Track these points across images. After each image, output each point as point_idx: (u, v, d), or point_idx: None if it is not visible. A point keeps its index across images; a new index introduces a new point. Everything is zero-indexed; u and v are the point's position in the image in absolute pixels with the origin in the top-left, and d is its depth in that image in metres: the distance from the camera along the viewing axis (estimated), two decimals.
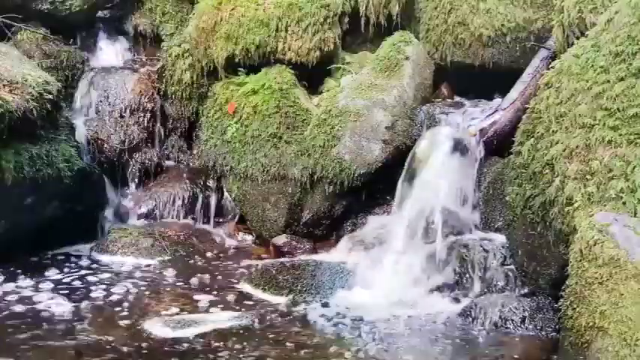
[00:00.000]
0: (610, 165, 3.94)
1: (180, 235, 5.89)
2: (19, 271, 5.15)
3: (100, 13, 7.00)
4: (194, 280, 5.20)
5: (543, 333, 4.25)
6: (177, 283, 5.16)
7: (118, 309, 4.64)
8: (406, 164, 5.40)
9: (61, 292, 4.88)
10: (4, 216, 5.11)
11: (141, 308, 4.66)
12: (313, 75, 6.15)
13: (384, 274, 5.10)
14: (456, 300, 4.78)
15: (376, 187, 5.57)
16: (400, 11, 6.26)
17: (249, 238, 6.17)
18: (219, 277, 5.31)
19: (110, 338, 4.21)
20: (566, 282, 3.75)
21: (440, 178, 5.27)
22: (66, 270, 5.28)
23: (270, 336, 4.26)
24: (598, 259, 3.56)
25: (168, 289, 5.05)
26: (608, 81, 4.11)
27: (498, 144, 5.27)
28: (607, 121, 4.04)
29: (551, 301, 4.33)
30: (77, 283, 5.06)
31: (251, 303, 4.80)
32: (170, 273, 5.34)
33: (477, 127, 5.38)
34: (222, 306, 4.72)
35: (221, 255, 5.82)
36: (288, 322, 4.50)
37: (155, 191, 6.32)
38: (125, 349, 4.07)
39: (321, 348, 4.17)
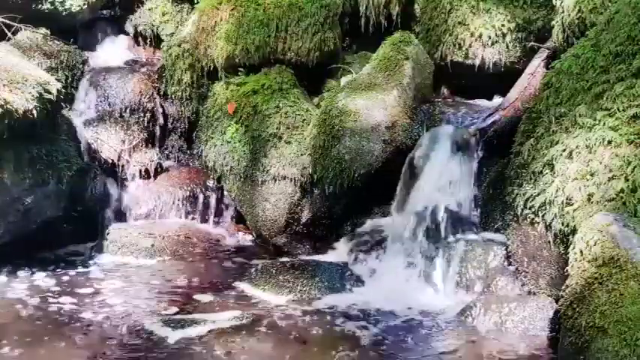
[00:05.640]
0: (610, 165, 3.95)
1: (180, 235, 5.88)
2: (18, 270, 5.15)
3: (100, 13, 7.02)
4: (194, 280, 5.21)
5: (543, 333, 4.25)
6: (178, 283, 5.16)
7: (117, 309, 4.64)
8: (406, 164, 5.39)
9: (60, 292, 4.88)
10: (3, 216, 5.12)
11: (141, 308, 4.66)
12: (313, 75, 6.15)
13: (383, 274, 5.11)
14: (456, 300, 4.78)
15: (376, 187, 5.57)
16: (400, 11, 6.27)
17: (249, 238, 6.17)
18: (220, 277, 5.31)
19: (110, 338, 4.21)
20: (566, 282, 3.75)
21: (440, 178, 5.27)
22: (65, 270, 5.28)
23: (271, 336, 4.26)
24: (598, 259, 3.56)
25: (168, 289, 5.05)
26: (608, 81, 4.12)
27: (498, 144, 5.27)
28: (607, 121, 4.05)
29: (551, 301, 4.33)
30: (77, 283, 5.06)
31: (251, 303, 4.80)
32: (170, 273, 5.35)
33: (477, 127, 5.38)
34: (222, 306, 4.72)
35: (221, 255, 5.82)
36: (288, 322, 4.50)
37: (155, 191, 6.32)
38: (125, 348, 4.07)
39: (321, 348, 4.17)
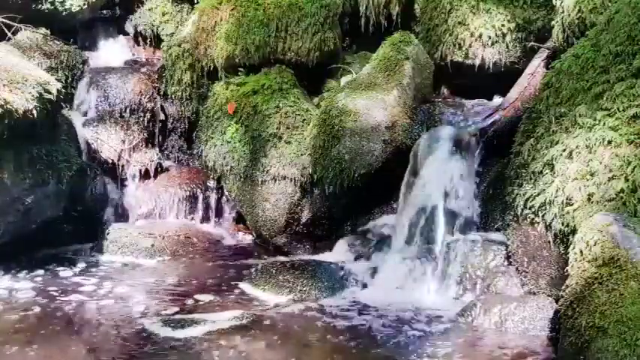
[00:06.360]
0: (610, 165, 3.95)
1: (180, 235, 5.89)
2: (18, 270, 5.16)
3: (99, 13, 7.02)
4: (194, 280, 5.21)
5: (543, 333, 4.25)
6: (178, 283, 5.16)
7: (117, 309, 4.64)
8: (408, 164, 5.39)
9: (60, 291, 4.88)
10: (3, 216, 5.11)
11: (141, 308, 4.66)
12: (313, 75, 6.16)
13: (384, 274, 5.11)
14: (456, 300, 4.78)
15: (376, 187, 5.57)
16: (400, 11, 6.28)
17: (249, 238, 6.17)
18: (220, 277, 5.31)
19: (110, 338, 4.21)
20: (566, 282, 3.75)
21: (440, 178, 5.27)
22: (66, 270, 5.28)
23: (270, 336, 4.26)
24: (598, 259, 3.56)
25: (168, 289, 5.05)
26: (608, 81, 4.12)
27: (498, 144, 5.27)
28: (607, 121, 4.05)
29: (551, 301, 4.33)
30: (77, 283, 5.06)
31: (251, 303, 4.80)
32: (170, 273, 5.35)
33: (477, 127, 5.38)
34: (222, 306, 4.72)
35: (221, 255, 5.83)
36: (289, 322, 4.50)
37: (155, 191, 6.33)
38: (125, 348, 4.07)
39: (321, 348, 4.17)
